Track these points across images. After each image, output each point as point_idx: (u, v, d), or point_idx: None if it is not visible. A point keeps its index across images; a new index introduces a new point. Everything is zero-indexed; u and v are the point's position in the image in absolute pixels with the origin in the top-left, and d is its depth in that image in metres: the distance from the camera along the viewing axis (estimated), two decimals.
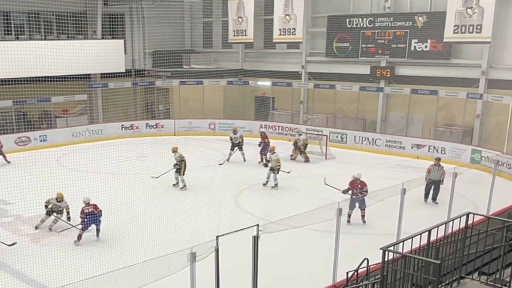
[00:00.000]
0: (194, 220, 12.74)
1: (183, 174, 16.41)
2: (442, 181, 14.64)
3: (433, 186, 14.87)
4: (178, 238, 11.23)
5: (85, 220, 11.99)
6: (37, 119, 25.32)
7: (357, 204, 13.02)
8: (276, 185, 16.61)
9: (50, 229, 12.75)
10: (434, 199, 15.02)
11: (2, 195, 13.46)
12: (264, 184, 16.80)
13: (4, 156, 19.93)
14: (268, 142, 19.84)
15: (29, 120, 24.74)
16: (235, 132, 20.63)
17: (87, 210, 12.06)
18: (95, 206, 12.19)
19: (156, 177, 16.63)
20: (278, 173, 16.59)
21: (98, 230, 12.24)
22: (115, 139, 24.40)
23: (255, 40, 27.41)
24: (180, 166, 16.35)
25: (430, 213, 13.98)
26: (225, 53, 29.83)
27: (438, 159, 15.14)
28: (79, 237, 11.98)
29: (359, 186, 13.24)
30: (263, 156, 19.73)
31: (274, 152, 16.90)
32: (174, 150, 16.70)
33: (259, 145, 20.13)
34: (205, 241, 6.95)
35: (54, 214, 12.84)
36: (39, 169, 17.87)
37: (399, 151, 22.11)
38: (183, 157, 16.45)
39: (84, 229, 12.05)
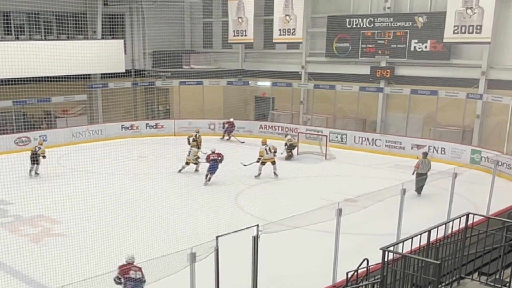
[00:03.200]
0: (194, 220, 12.75)
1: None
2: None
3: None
4: (178, 238, 11.23)
5: (210, 164, 16.70)
6: (37, 119, 25.31)
7: None
8: (258, 175, 17.73)
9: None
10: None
11: (2, 195, 13.47)
12: (255, 176, 17.77)
13: None
14: (231, 125, 25.03)
15: (29, 120, 24.73)
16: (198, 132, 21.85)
17: (212, 157, 16.85)
18: (219, 155, 16.90)
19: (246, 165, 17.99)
20: (263, 164, 17.82)
21: (209, 178, 16.69)
22: (115, 139, 24.39)
23: (255, 40, 27.42)
24: None
25: (430, 213, 13.97)
26: (225, 53, 29.84)
27: (426, 154, 16.55)
28: (207, 177, 16.72)
29: None
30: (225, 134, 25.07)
31: (264, 145, 18.14)
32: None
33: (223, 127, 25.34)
34: (205, 241, 6.95)
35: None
36: (39, 169, 17.89)
37: (399, 151, 22.11)
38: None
39: (210, 171, 16.69)
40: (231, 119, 25.40)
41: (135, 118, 27.02)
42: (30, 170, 17.73)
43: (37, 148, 18.05)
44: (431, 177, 14.74)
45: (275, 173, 17.85)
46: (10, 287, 9.59)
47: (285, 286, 10.19)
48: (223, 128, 25.49)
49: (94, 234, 12.20)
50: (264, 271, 8.17)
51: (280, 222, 8.44)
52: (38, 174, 17.83)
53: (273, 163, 17.93)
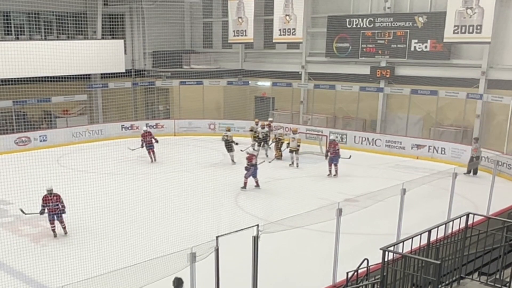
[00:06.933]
0: (194, 220, 12.76)
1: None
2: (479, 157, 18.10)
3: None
4: (178, 238, 11.24)
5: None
6: (37, 119, 25.32)
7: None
8: (292, 163, 19.44)
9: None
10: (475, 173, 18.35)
11: (2, 195, 13.47)
12: (290, 165, 19.58)
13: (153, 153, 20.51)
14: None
15: (29, 120, 24.74)
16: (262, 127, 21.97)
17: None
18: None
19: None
20: (291, 152, 19.63)
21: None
22: (115, 139, 24.39)
23: (255, 40, 27.42)
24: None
25: (430, 213, 13.97)
26: (225, 53, 29.84)
27: (476, 139, 18.83)
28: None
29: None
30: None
31: (295, 134, 19.94)
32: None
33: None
34: (205, 241, 6.95)
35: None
36: (39, 169, 17.88)
37: (399, 151, 22.11)
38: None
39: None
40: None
41: (135, 118, 27.01)
42: (231, 158, 19.68)
43: (225, 137, 19.77)
44: (431, 177, 14.74)
45: (297, 164, 19.50)
46: (10, 287, 9.59)
47: (285, 286, 10.18)
48: None
49: (94, 234, 12.22)
50: (264, 271, 8.17)
51: (280, 222, 8.44)
52: (234, 162, 19.48)
53: (296, 152, 19.57)
